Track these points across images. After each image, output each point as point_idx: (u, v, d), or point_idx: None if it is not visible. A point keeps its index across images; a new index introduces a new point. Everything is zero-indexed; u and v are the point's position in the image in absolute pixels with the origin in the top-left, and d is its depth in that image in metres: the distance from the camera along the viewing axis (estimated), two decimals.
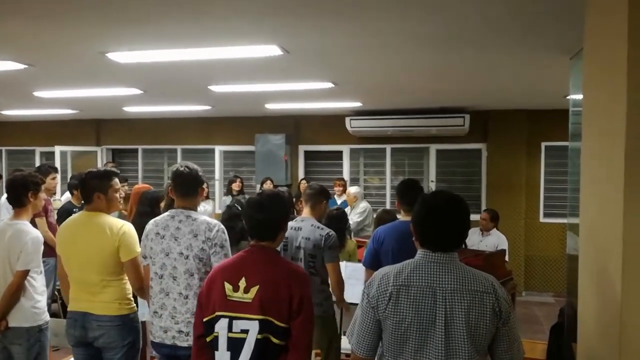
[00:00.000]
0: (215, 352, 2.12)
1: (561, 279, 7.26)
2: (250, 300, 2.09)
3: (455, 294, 1.86)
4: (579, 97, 3.43)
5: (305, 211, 3.60)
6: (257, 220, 2.24)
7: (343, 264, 4.04)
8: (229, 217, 4.46)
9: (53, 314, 5.64)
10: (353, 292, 3.96)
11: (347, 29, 3.30)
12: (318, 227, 3.46)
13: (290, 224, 3.52)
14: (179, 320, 2.78)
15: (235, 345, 2.08)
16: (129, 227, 3.06)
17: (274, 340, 2.08)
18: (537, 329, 5.91)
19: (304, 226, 3.48)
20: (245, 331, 2.07)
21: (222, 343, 2.11)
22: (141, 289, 3.04)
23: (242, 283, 2.12)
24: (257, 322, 2.07)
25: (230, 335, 2.09)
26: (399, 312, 1.89)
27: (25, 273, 3.18)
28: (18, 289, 3.15)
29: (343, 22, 3.15)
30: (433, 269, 1.91)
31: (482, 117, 7.55)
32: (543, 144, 7.64)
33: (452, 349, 1.84)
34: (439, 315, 1.85)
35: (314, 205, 3.59)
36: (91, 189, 3.07)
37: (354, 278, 3.96)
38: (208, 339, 2.15)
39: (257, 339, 2.06)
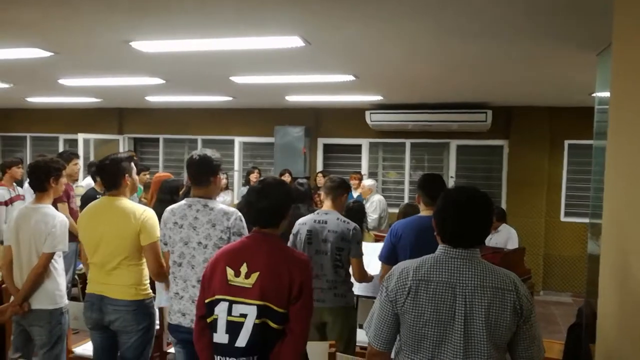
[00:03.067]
0: (214, 333, 2.17)
1: (580, 279, 7.17)
2: (251, 286, 2.13)
3: (475, 291, 1.84)
4: (606, 94, 3.36)
5: (327, 204, 3.60)
6: (258, 207, 2.26)
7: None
8: (244, 207, 4.49)
9: (73, 298, 5.76)
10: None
11: (370, 21, 3.27)
12: (344, 221, 3.48)
13: (313, 217, 3.53)
14: None
15: (233, 329, 2.12)
16: (151, 212, 3.12)
17: (272, 324, 2.12)
18: (554, 328, 5.84)
19: (329, 219, 3.49)
20: (244, 315, 2.11)
21: (221, 325, 2.15)
22: (160, 274, 3.09)
23: (244, 269, 2.16)
24: (255, 307, 2.10)
25: (230, 318, 2.14)
26: (417, 307, 1.88)
27: (52, 255, 3.24)
28: (43, 271, 3.21)
29: (366, 15, 3.13)
30: (453, 265, 1.89)
31: (504, 113, 7.46)
32: (566, 142, 7.51)
33: (470, 346, 1.83)
34: (458, 312, 1.83)
35: (335, 197, 3.60)
36: (121, 171, 3.14)
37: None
38: (208, 320, 2.20)
39: (255, 324, 2.10)
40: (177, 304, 2.89)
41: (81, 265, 5.91)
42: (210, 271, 2.26)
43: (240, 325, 2.11)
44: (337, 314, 3.42)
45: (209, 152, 2.99)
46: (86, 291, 3.20)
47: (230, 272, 2.18)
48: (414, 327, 1.89)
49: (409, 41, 3.79)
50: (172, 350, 3.65)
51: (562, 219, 7.61)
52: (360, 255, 3.49)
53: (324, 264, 3.43)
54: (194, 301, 2.79)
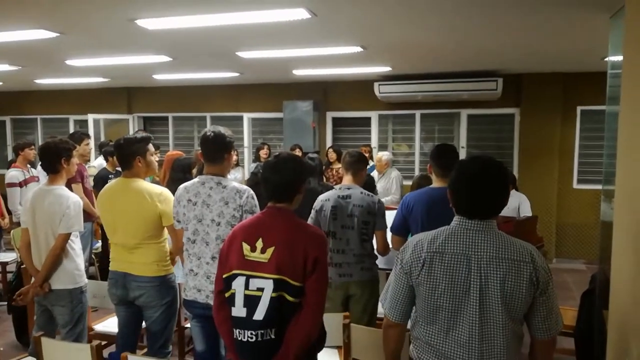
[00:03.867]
0: (232, 307, 2.19)
1: (593, 246, 7.15)
2: (267, 261, 2.14)
3: (491, 262, 1.82)
4: (619, 58, 3.30)
5: (347, 179, 3.58)
6: (273, 181, 2.27)
7: None
8: (254, 184, 4.51)
9: (90, 277, 5.87)
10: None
11: None
12: (368, 195, 3.48)
13: (337, 192, 3.53)
14: (214, 281, 2.83)
15: (251, 302, 2.14)
16: (168, 193, 3.16)
17: (289, 298, 2.13)
18: (567, 295, 5.86)
19: (352, 194, 3.48)
20: (261, 289, 2.13)
21: (239, 299, 2.17)
22: (181, 251, 3.15)
23: (259, 244, 2.18)
24: (272, 280, 2.12)
25: (247, 292, 2.16)
26: (432, 278, 1.88)
27: (68, 236, 3.29)
28: (61, 251, 3.27)
29: None
30: (469, 236, 1.87)
31: (515, 80, 7.35)
32: (579, 108, 7.40)
33: (486, 317, 1.82)
34: (474, 283, 1.82)
35: (355, 172, 3.57)
36: (132, 153, 3.17)
37: None
38: (226, 295, 2.23)
39: (271, 297, 2.11)
40: (192, 280, 2.93)
41: (98, 244, 6.02)
42: (227, 247, 2.28)
43: (257, 299, 2.13)
44: (364, 287, 3.45)
45: (222, 129, 2.98)
46: (110, 268, 3.27)
47: (246, 247, 2.20)
48: (429, 298, 1.90)
49: (418, 10, 3.73)
50: (189, 325, 3.73)
51: (575, 186, 7.56)
52: (385, 227, 3.50)
53: (350, 238, 3.44)
54: (209, 277, 2.85)
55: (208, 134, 2.93)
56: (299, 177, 2.32)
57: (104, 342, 3.79)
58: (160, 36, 4.53)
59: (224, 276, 2.24)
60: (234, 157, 6.33)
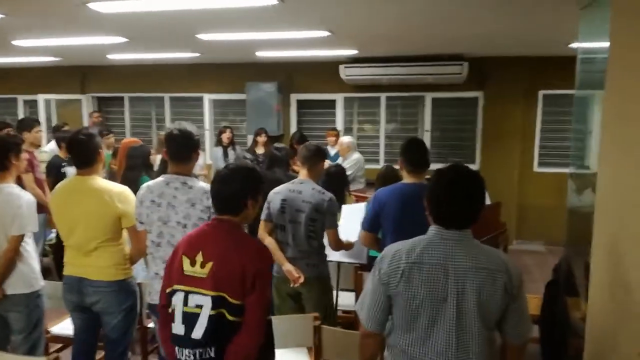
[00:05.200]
0: (172, 324, 2.12)
1: (553, 228, 7.29)
2: (205, 276, 2.06)
3: (468, 272, 1.85)
4: (589, 45, 3.33)
5: (303, 173, 3.48)
6: (217, 191, 2.18)
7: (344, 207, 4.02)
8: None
9: (45, 269, 5.62)
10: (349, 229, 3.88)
11: None
12: (319, 191, 3.37)
13: (288, 186, 3.43)
14: None
15: (189, 320, 2.07)
16: (129, 193, 2.99)
17: (229, 317, 2.05)
18: (529, 278, 5.97)
19: (304, 189, 3.38)
20: (200, 306, 2.06)
21: (178, 316, 2.10)
22: (141, 255, 3.01)
23: (199, 258, 2.09)
24: (210, 297, 2.04)
25: (185, 309, 2.08)
26: (411, 289, 1.88)
27: (21, 238, 3.08)
28: (14, 254, 3.06)
29: None
30: (446, 246, 1.88)
31: (479, 64, 7.34)
32: (541, 92, 7.49)
33: (462, 326, 1.86)
34: (451, 293, 1.85)
35: (311, 167, 3.47)
36: (97, 147, 3.00)
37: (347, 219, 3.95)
38: (170, 310, 2.15)
39: (210, 315, 2.04)
40: (157, 283, 2.78)
41: (51, 235, 5.74)
42: (170, 259, 2.20)
43: (196, 316, 2.05)
44: (311, 284, 3.37)
45: (188, 125, 2.82)
46: (64, 273, 3.09)
47: (186, 261, 2.11)
48: (407, 308, 1.90)
49: None
50: (152, 325, 3.60)
51: (536, 169, 7.70)
52: (335, 226, 3.42)
53: (296, 233, 3.36)
54: None
55: (174, 132, 2.78)
56: (246, 190, 2.18)
57: (60, 345, 3.64)
58: (115, 19, 4.26)
59: (167, 291, 2.16)
60: (199, 153, 6.12)
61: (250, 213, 2.23)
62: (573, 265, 3.80)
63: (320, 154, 3.55)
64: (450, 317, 1.85)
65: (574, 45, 5.63)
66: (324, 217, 3.34)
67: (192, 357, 2.06)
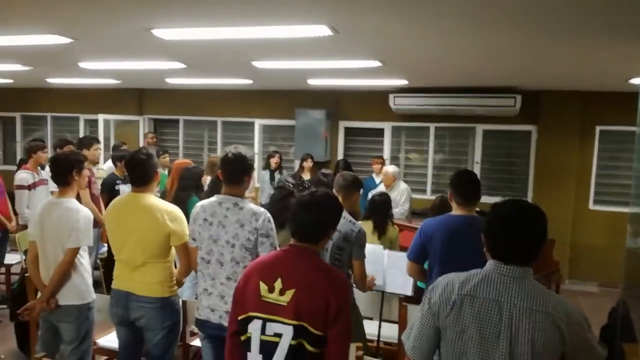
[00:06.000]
0: (248, 353, 2.06)
1: (607, 269, 7.01)
2: (286, 304, 2.00)
3: (524, 313, 1.75)
4: None
5: None
6: (303, 220, 2.12)
7: (385, 253, 3.94)
8: (283, 197, 4.39)
9: (95, 282, 5.79)
10: (394, 281, 3.87)
11: (401, 8, 3.10)
12: (350, 221, 3.32)
13: None
14: (228, 301, 2.72)
15: (267, 349, 2.01)
16: (179, 212, 3.07)
17: (309, 347, 1.99)
18: None
19: None
20: (279, 335, 2.00)
21: (255, 345, 2.04)
22: (188, 273, 3.08)
23: (278, 284, 2.03)
24: (291, 327, 1.98)
25: (263, 338, 2.02)
26: (460, 323, 1.81)
27: (77, 251, 3.19)
28: (69, 266, 3.17)
29: (396, 2, 2.96)
30: (503, 283, 1.79)
31: (533, 97, 7.20)
32: (597, 128, 7.25)
33: None
34: (504, 332, 1.75)
35: (346, 196, 3.44)
36: (154, 167, 3.12)
37: (395, 268, 3.86)
38: (242, 338, 2.09)
39: (290, 345, 1.98)
40: (205, 299, 2.85)
41: (103, 249, 5.94)
42: (242, 285, 2.14)
43: (274, 346, 2.00)
44: None
45: (243, 150, 2.88)
46: (112, 287, 3.18)
47: (263, 287, 2.05)
48: (455, 342, 1.83)
49: (439, 30, 3.61)
50: (195, 342, 3.63)
51: (591, 207, 7.40)
52: (362, 257, 3.35)
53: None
54: (223, 297, 2.78)
55: (229, 155, 2.84)
56: (332, 221, 2.19)
57: (106, 358, 3.72)
58: (176, 45, 4.44)
59: (240, 318, 2.10)
60: (252, 178, 6.25)
61: (325, 243, 2.21)
62: (630, 308, 3.62)
63: (356, 184, 3.52)
64: (501, 357, 1.75)
65: (635, 80, 5.46)
66: (352, 247, 3.29)
67: None
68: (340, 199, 3.44)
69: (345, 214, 3.37)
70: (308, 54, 4.76)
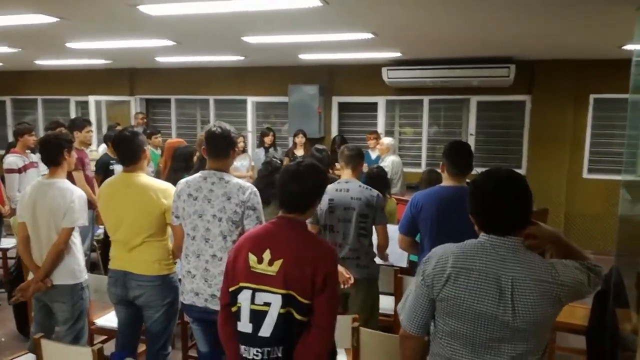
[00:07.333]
0: (238, 322, 2.09)
1: (602, 237, 7.07)
2: (274, 274, 2.03)
3: (522, 283, 1.75)
4: None
5: (347, 173, 3.51)
6: (290, 190, 2.13)
7: None
8: (269, 173, 4.40)
9: (92, 264, 5.82)
10: (390, 253, 3.88)
11: None
12: (366, 188, 3.40)
13: (334, 186, 3.44)
14: (212, 284, 2.74)
15: (257, 318, 2.04)
16: (173, 189, 3.04)
17: (297, 315, 2.02)
18: None
19: (351, 187, 3.41)
20: (268, 304, 2.03)
21: (245, 314, 2.07)
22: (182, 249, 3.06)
23: (267, 255, 2.06)
24: (280, 295, 2.01)
25: (253, 307, 2.05)
26: (457, 295, 1.80)
27: (72, 230, 3.19)
28: (64, 246, 3.18)
29: None
30: (499, 254, 1.79)
31: (527, 67, 7.16)
32: (592, 97, 7.22)
33: (515, 335, 1.76)
34: (502, 302, 1.75)
35: (355, 166, 3.52)
36: (142, 144, 3.08)
37: (391, 240, 3.88)
38: (233, 309, 2.12)
39: (279, 313, 2.01)
40: (189, 283, 2.83)
41: (99, 231, 5.94)
42: (233, 258, 2.16)
43: (264, 314, 2.03)
44: (360, 285, 3.35)
45: (226, 125, 2.87)
46: (109, 267, 3.18)
47: (252, 258, 2.08)
48: (450, 314, 1.82)
49: None
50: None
51: (585, 175, 7.42)
52: (385, 221, 3.42)
53: (347, 232, 3.35)
54: (207, 280, 2.76)
55: (214, 129, 2.82)
56: (319, 190, 2.20)
57: (104, 337, 3.74)
58: (163, 21, 4.36)
59: (230, 289, 2.12)
60: (241, 144, 6.22)
61: (312, 212, 2.23)
62: (624, 275, 3.65)
63: (361, 154, 3.60)
64: (502, 326, 1.75)
65: (629, 47, 5.42)
66: (375, 213, 3.36)
67: (260, 356, 2.03)
68: (349, 169, 3.49)
69: (358, 182, 3.46)
70: (298, 27, 4.69)
